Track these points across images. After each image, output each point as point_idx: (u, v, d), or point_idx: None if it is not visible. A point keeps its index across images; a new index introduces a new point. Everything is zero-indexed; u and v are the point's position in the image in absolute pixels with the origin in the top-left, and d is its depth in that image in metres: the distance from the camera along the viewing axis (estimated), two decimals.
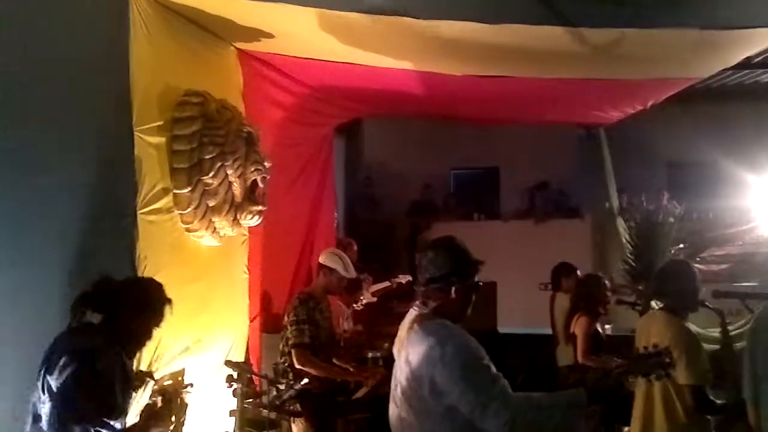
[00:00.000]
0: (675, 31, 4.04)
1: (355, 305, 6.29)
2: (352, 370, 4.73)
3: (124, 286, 2.84)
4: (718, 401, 3.41)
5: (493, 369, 2.39)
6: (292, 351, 4.35)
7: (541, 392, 2.33)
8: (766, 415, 2.32)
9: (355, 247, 7.21)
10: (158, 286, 2.97)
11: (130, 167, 3.61)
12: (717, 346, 4.70)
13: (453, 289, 2.51)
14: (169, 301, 2.93)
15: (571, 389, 2.35)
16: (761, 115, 10.22)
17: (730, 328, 5.51)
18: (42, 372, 2.60)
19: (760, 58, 7.79)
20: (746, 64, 7.69)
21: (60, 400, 2.49)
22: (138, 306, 2.82)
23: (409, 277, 6.91)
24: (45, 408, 2.55)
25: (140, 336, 2.85)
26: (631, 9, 3.74)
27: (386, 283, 7.09)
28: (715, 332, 5.10)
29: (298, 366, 4.30)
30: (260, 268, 5.37)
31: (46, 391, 2.54)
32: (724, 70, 6.14)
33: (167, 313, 2.93)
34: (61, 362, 2.53)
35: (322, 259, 4.78)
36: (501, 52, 4.65)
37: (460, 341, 2.40)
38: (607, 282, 5.64)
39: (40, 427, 2.55)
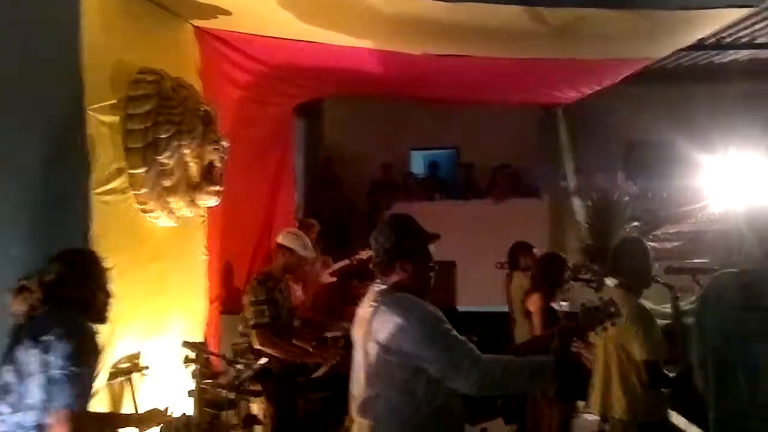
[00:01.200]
0: (631, 11, 4.08)
1: (314, 284, 6.29)
2: (311, 350, 4.74)
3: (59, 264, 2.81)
4: (671, 374, 3.52)
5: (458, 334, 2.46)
6: (253, 331, 4.34)
7: (511, 356, 2.43)
8: (713, 378, 2.40)
9: (317, 228, 7.20)
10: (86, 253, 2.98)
11: (82, 147, 3.52)
12: (669, 321, 4.82)
13: (401, 263, 2.56)
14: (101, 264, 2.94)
15: (540, 356, 2.44)
16: (715, 96, 10.44)
17: (681, 303, 5.66)
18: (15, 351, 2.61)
19: (712, 40, 7.94)
20: (700, 45, 7.83)
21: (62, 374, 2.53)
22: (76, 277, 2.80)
23: (369, 252, 6.89)
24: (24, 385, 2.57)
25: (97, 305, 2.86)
26: None
27: (345, 261, 7.08)
28: (668, 308, 5.22)
29: (258, 346, 4.30)
30: (220, 249, 5.32)
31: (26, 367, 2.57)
32: (678, 50, 6.25)
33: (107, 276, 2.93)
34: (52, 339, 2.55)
35: (280, 240, 4.76)
36: (460, 31, 4.66)
37: (423, 309, 2.47)
38: (565, 260, 5.72)
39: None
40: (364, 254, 6.98)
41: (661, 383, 3.52)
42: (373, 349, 2.52)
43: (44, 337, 2.57)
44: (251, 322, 4.38)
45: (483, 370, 2.31)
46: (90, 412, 2.71)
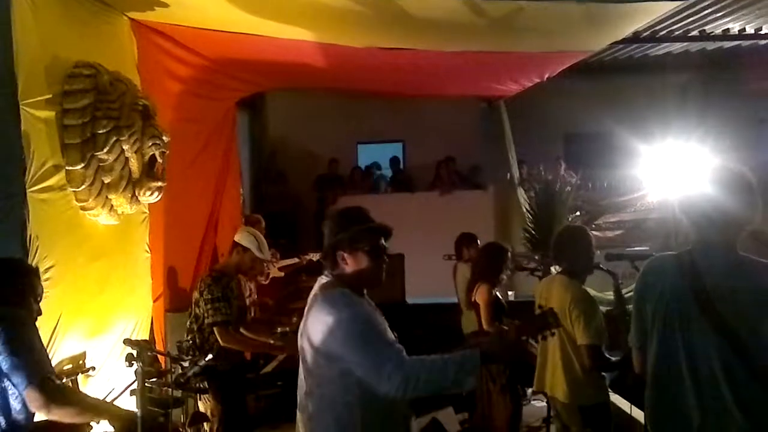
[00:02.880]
0: (567, 4, 4.18)
1: (260, 279, 6.24)
2: (272, 342, 4.70)
3: None
4: (613, 359, 3.62)
5: (389, 335, 2.43)
6: (214, 330, 4.26)
7: (437, 355, 2.35)
8: (651, 360, 2.47)
9: (263, 224, 7.15)
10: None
11: (16, 143, 3.42)
12: (612, 307, 4.95)
13: (342, 255, 2.51)
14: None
15: (466, 350, 2.39)
16: (650, 87, 10.77)
17: (623, 290, 5.82)
18: None
19: (647, 33, 8.18)
20: (635, 38, 8.06)
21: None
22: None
23: (318, 255, 6.91)
24: None
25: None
26: None
27: (295, 260, 7.06)
28: (611, 295, 5.36)
29: (222, 344, 4.23)
30: (163, 245, 5.23)
31: None
32: (615, 44, 6.42)
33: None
34: None
35: (237, 238, 4.69)
36: (402, 24, 4.68)
37: (354, 309, 2.41)
38: (508, 249, 5.81)
39: None
40: (314, 256, 6.98)
41: (603, 367, 3.62)
42: (306, 346, 2.48)
43: None
44: (209, 320, 4.31)
45: (406, 374, 2.27)
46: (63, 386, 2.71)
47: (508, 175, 9.51)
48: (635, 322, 2.55)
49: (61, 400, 2.62)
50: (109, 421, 2.75)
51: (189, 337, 4.45)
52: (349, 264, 2.52)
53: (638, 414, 4.52)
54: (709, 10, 7.51)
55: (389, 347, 2.35)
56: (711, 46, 9.29)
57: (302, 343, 2.52)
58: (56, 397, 2.61)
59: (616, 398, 4.30)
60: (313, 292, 2.58)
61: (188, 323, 4.50)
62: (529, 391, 6.26)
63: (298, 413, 2.62)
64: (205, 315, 4.33)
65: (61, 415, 2.62)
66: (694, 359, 2.31)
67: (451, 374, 2.30)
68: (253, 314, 5.24)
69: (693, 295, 2.32)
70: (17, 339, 2.61)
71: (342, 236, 2.51)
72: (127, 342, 2.73)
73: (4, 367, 2.57)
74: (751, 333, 2.22)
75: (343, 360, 2.36)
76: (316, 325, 2.42)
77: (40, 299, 2.94)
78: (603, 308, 4.49)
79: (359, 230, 2.51)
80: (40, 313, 2.92)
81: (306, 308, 2.56)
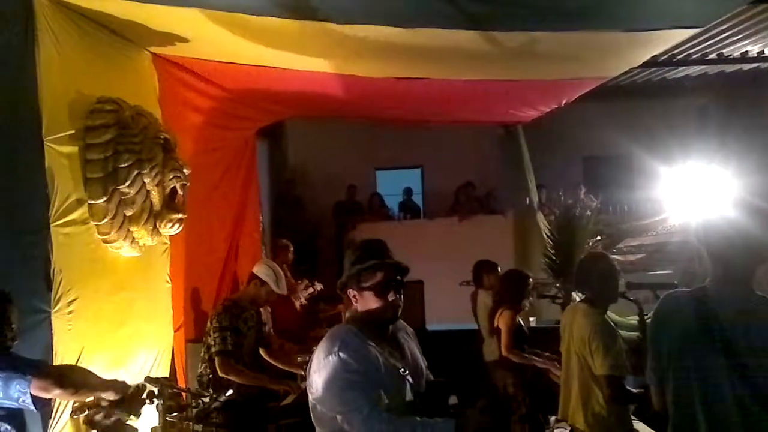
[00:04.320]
0: (582, 34, 4.19)
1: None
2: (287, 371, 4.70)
3: None
4: (635, 390, 3.56)
5: (373, 390, 2.33)
6: (215, 358, 4.29)
7: (412, 417, 2.30)
8: (669, 399, 2.43)
9: (292, 248, 7.22)
10: None
11: (41, 179, 3.48)
12: (636, 333, 4.88)
13: (352, 292, 2.48)
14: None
15: (444, 421, 2.30)
16: (670, 110, 10.73)
17: (646, 317, 5.76)
18: None
19: (665, 57, 8.16)
20: (653, 62, 8.04)
21: None
22: None
23: (320, 286, 7.05)
24: None
25: None
26: (539, 13, 3.85)
27: (310, 289, 7.14)
28: (632, 320, 5.30)
29: (221, 374, 4.25)
30: (184, 276, 5.27)
31: None
32: (632, 68, 6.40)
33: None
34: None
35: (256, 270, 4.71)
36: (419, 55, 4.72)
37: (345, 353, 2.34)
38: (529, 276, 5.78)
39: None
40: (318, 286, 7.04)
41: (622, 399, 3.55)
42: (309, 383, 2.46)
43: None
44: (213, 349, 4.33)
45: (370, 429, 2.25)
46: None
47: (527, 200, 9.47)
48: (652, 361, 2.52)
49: (69, 379, 2.66)
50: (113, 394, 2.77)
51: (203, 367, 4.47)
52: (359, 302, 2.49)
53: None
54: (727, 34, 7.50)
55: (364, 399, 2.29)
56: (730, 68, 9.25)
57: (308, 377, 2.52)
58: (62, 377, 2.64)
59: (640, 426, 4.24)
60: None
61: (202, 352, 4.52)
62: (552, 418, 6.19)
63: None
64: (212, 343, 4.36)
65: (72, 394, 2.65)
66: (709, 398, 2.27)
67: None
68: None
69: (708, 335, 2.29)
70: None
71: (348, 275, 2.48)
72: (148, 380, 2.75)
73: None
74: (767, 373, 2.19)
75: (323, 404, 2.35)
76: (313, 362, 2.42)
77: (14, 325, 2.91)
78: (625, 333, 4.45)
79: (363, 269, 2.45)
80: (14, 339, 2.91)
81: None
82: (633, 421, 3.81)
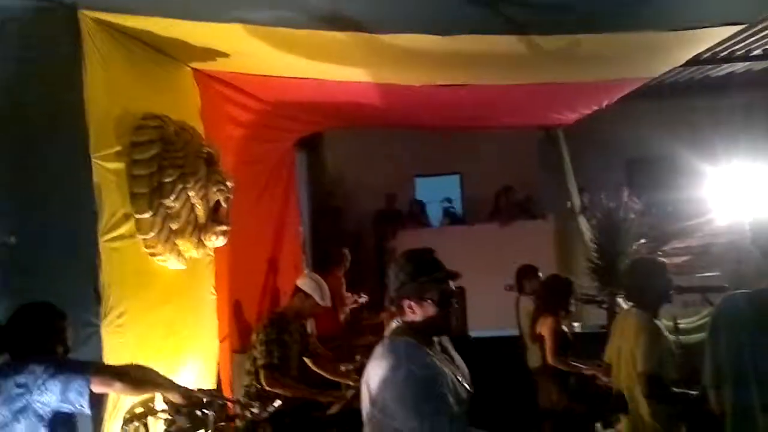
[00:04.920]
0: (625, 35, 4.13)
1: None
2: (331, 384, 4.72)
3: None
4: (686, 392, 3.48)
5: (447, 398, 2.34)
6: (261, 371, 4.33)
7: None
8: (728, 395, 2.38)
9: (349, 258, 7.29)
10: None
11: (89, 195, 3.55)
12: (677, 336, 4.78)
13: (409, 303, 2.46)
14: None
15: None
16: (714, 109, 10.50)
17: (693, 318, 5.64)
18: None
19: (708, 54, 7.99)
20: (696, 60, 7.88)
21: None
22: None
23: (365, 298, 7.08)
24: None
25: None
26: (579, 15, 3.80)
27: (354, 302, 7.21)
28: (681, 323, 5.19)
29: (267, 387, 4.28)
30: (228, 287, 5.33)
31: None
32: (674, 67, 6.29)
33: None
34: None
35: (300, 283, 4.73)
36: (457, 61, 4.70)
37: (413, 365, 2.34)
38: (572, 281, 5.71)
39: None
40: (362, 299, 7.07)
41: (660, 397, 3.47)
42: (365, 394, 2.45)
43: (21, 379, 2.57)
44: (259, 362, 4.37)
45: None
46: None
47: (569, 203, 9.35)
48: (710, 363, 2.47)
49: (130, 374, 2.69)
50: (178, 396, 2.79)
51: (249, 379, 4.51)
52: (417, 313, 2.46)
53: None
54: None
55: (440, 413, 2.28)
56: None
57: (363, 388, 2.50)
58: (123, 372, 2.68)
59: None
60: (383, 337, 2.57)
61: (248, 365, 4.56)
62: (598, 425, 6.09)
63: None
64: (258, 356, 4.39)
65: (133, 388, 2.68)
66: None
67: None
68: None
69: None
70: (49, 364, 2.61)
71: (409, 286, 2.46)
72: (199, 391, 2.78)
73: (58, 396, 2.57)
74: None
75: (394, 419, 2.32)
76: (375, 375, 2.40)
77: (68, 341, 2.95)
78: (672, 337, 4.36)
79: (427, 281, 2.45)
80: (67, 353, 2.94)
81: (373, 353, 2.55)
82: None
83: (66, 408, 2.60)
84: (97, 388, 2.59)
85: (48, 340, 2.86)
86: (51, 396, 2.55)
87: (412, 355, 2.38)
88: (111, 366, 2.75)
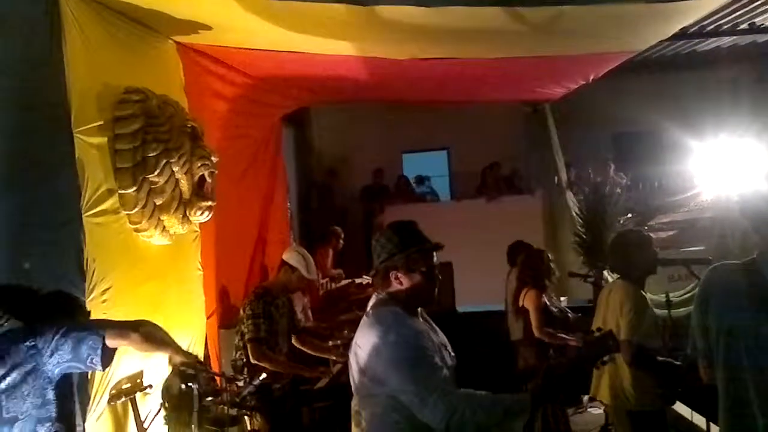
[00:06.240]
0: (609, 6, 4.10)
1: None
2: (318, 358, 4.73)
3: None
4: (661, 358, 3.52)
5: (438, 362, 2.37)
6: (248, 345, 4.34)
7: (486, 392, 2.30)
8: (719, 365, 2.40)
9: (342, 236, 7.33)
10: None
11: (71, 170, 3.52)
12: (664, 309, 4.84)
13: (396, 274, 2.49)
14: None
15: (517, 394, 2.31)
16: (700, 83, 10.53)
17: (680, 292, 5.70)
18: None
19: (695, 28, 7.99)
20: (682, 34, 7.88)
21: None
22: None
23: (367, 278, 7.09)
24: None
25: None
26: None
27: (348, 281, 7.23)
28: (662, 297, 5.24)
29: (253, 360, 4.29)
30: (214, 262, 5.31)
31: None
32: (661, 41, 6.28)
33: None
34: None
35: (286, 257, 4.74)
36: (443, 34, 4.67)
37: (403, 332, 2.37)
38: (548, 254, 5.77)
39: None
40: (363, 280, 7.09)
41: (640, 363, 3.51)
42: (354, 365, 2.47)
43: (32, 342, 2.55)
44: (246, 336, 4.37)
45: (451, 406, 2.20)
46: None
47: (556, 179, 9.39)
48: (699, 333, 2.49)
49: (144, 327, 2.67)
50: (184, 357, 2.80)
51: (237, 354, 4.52)
52: (404, 283, 2.50)
53: (699, 420, 4.41)
54: (759, 2, 7.31)
55: (436, 375, 2.30)
56: (762, 38, 9.03)
57: (351, 360, 2.52)
58: (137, 324, 2.66)
59: (676, 404, 4.21)
60: (367, 310, 2.58)
61: (236, 340, 4.57)
62: (586, 398, 6.17)
63: (352, 427, 2.63)
64: (245, 330, 4.40)
65: (144, 341, 2.65)
66: (761, 372, 2.24)
67: (498, 415, 2.24)
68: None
69: (759, 307, 2.24)
70: (60, 326, 2.58)
71: (398, 257, 2.49)
72: (185, 364, 2.77)
73: (68, 356, 2.54)
74: None
75: (387, 385, 2.33)
76: (364, 346, 2.42)
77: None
78: (664, 312, 4.41)
79: (416, 252, 2.49)
80: None
81: (359, 326, 2.57)
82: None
83: (77, 368, 2.58)
84: (111, 342, 2.56)
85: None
86: (62, 356, 2.53)
87: (401, 322, 2.42)
88: (123, 321, 2.72)
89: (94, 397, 3.45)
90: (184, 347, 4.55)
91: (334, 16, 4.11)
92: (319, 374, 4.64)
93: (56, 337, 2.53)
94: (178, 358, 2.74)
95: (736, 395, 2.33)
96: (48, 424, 2.54)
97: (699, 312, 2.50)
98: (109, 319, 2.79)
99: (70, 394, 2.68)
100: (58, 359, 2.53)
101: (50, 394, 2.56)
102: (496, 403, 2.26)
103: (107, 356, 2.56)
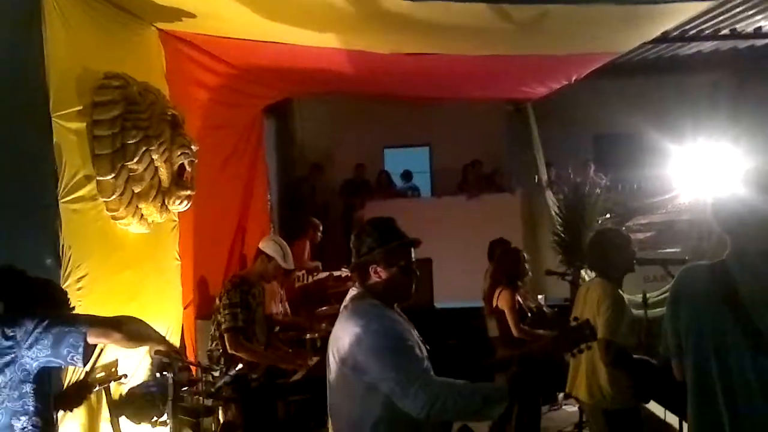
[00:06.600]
0: (594, 7, 4.13)
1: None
2: (284, 351, 4.71)
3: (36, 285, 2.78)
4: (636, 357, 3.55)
5: (418, 352, 2.39)
6: (224, 335, 4.31)
7: (465, 381, 2.32)
8: (689, 364, 2.42)
9: (321, 228, 7.29)
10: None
11: (48, 155, 3.47)
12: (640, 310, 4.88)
13: (375, 269, 2.51)
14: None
15: (496, 383, 2.35)
16: (681, 86, 10.62)
17: (656, 293, 5.74)
18: None
19: (676, 32, 8.06)
20: (664, 38, 7.95)
21: None
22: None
23: (345, 271, 7.04)
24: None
25: None
26: None
27: (325, 274, 7.20)
28: (639, 297, 5.29)
29: (230, 351, 4.26)
30: (193, 253, 5.28)
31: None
32: (643, 44, 6.33)
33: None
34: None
35: (262, 246, 4.71)
36: (427, 29, 4.67)
37: (384, 322, 2.40)
38: (523, 253, 5.78)
39: None
40: (342, 272, 7.06)
41: (617, 362, 3.53)
42: (333, 357, 2.47)
43: (10, 332, 2.45)
44: (223, 326, 4.35)
45: (432, 395, 2.23)
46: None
47: (536, 178, 9.43)
48: (671, 332, 2.51)
49: (126, 325, 2.61)
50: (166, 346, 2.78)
51: (213, 344, 4.49)
52: (382, 277, 2.52)
53: (672, 419, 4.45)
54: (740, 8, 7.39)
55: (416, 365, 2.32)
56: (742, 44, 9.13)
57: (329, 352, 2.52)
58: (119, 322, 2.60)
59: (651, 403, 4.24)
60: (344, 303, 2.58)
61: (212, 330, 4.54)
62: (561, 395, 6.22)
63: (329, 420, 2.62)
64: (222, 320, 4.37)
65: (128, 339, 2.59)
66: (727, 372, 2.26)
67: (478, 403, 2.27)
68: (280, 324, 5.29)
69: (727, 308, 2.26)
70: (41, 318, 2.50)
71: (377, 252, 2.51)
72: (159, 353, 2.74)
73: (48, 351, 2.45)
74: None
75: (368, 374, 2.34)
76: (344, 336, 2.41)
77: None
78: (641, 312, 4.43)
79: (395, 247, 2.52)
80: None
81: (337, 319, 2.56)
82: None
83: (56, 363, 2.50)
84: (93, 339, 2.48)
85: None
86: (40, 350, 2.47)
87: (380, 314, 2.44)
88: (105, 317, 2.66)
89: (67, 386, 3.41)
90: None
91: (316, 6, 4.09)
92: (297, 367, 4.62)
93: (37, 330, 2.46)
94: (164, 349, 2.70)
95: (703, 393, 2.35)
96: (24, 418, 2.47)
97: (670, 311, 2.52)
98: (93, 314, 2.74)
99: (49, 388, 2.61)
100: (36, 353, 2.46)
101: (27, 387, 2.48)
102: (475, 392, 2.28)
103: (88, 354, 2.51)
